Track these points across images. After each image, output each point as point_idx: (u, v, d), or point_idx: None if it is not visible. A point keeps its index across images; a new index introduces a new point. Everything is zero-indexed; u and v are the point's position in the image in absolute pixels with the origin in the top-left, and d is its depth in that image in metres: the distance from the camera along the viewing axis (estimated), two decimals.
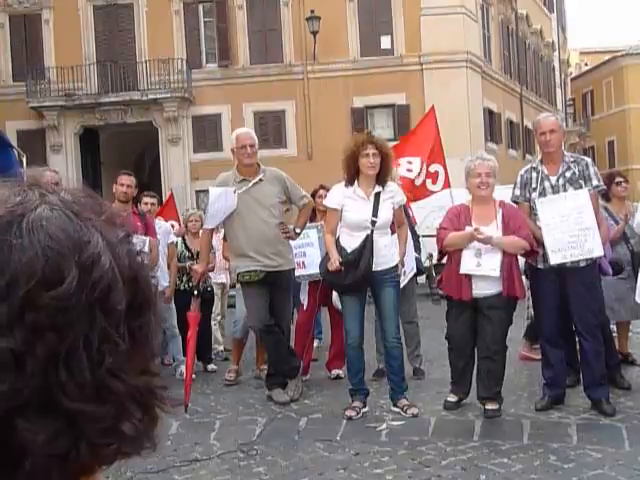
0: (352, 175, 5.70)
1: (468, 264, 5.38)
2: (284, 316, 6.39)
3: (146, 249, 5.57)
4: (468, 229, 5.39)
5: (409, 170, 8.63)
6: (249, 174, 6.24)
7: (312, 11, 23.17)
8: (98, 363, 0.58)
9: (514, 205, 5.66)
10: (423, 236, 8.86)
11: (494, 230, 5.40)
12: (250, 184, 6.18)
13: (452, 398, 5.73)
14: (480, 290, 5.39)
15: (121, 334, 0.60)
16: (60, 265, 0.57)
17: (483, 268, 5.34)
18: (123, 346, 0.60)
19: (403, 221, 6.05)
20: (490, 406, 5.45)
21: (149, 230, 6.93)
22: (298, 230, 6.39)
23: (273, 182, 6.26)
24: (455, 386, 5.76)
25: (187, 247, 8.15)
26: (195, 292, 6.51)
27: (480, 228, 5.34)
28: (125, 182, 6.89)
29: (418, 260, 7.27)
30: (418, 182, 8.59)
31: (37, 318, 0.55)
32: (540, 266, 5.54)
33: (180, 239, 8.35)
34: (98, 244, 0.60)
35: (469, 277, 5.40)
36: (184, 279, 7.93)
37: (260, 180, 6.22)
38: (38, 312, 0.55)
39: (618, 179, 6.97)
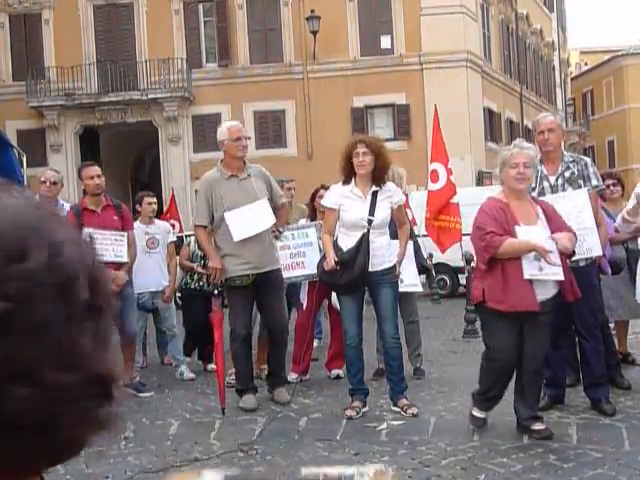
0: (348, 176, 5.69)
1: (530, 269, 4.75)
2: (281, 316, 6.23)
3: (125, 244, 5.52)
4: (518, 229, 4.80)
5: (435, 181, 8.78)
6: (237, 169, 6.08)
7: (312, 11, 23.18)
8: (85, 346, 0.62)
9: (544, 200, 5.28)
10: (424, 236, 8.89)
11: (542, 229, 4.90)
12: (239, 180, 6.03)
13: (481, 414, 5.14)
14: (541, 296, 4.80)
15: (82, 328, 0.61)
16: (26, 243, 0.59)
17: (546, 272, 4.80)
18: (85, 340, 0.61)
19: (405, 221, 6.03)
20: (539, 426, 4.94)
21: (126, 223, 6.59)
22: (281, 229, 6.32)
23: (261, 178, 6.14)
24: (487, 403, 5.11)
25: (199, 246, 8.05)
26: (215, 292, 6.13)
27: (545, 247, 4.69)
28: (95, 173, 6.49)
29: (422, 257, 7.25)
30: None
31: (6, 289, 0.57)
32: None
33: (193, 239, 8.26)
34: (63, 234, 0.63)
35: (530, 283, 4.77)
36: (195, 277, 7.89)
37: (248, 175, 6.08)
38: (8, 283, 0.57)
39: (608, 182, 6.75)
